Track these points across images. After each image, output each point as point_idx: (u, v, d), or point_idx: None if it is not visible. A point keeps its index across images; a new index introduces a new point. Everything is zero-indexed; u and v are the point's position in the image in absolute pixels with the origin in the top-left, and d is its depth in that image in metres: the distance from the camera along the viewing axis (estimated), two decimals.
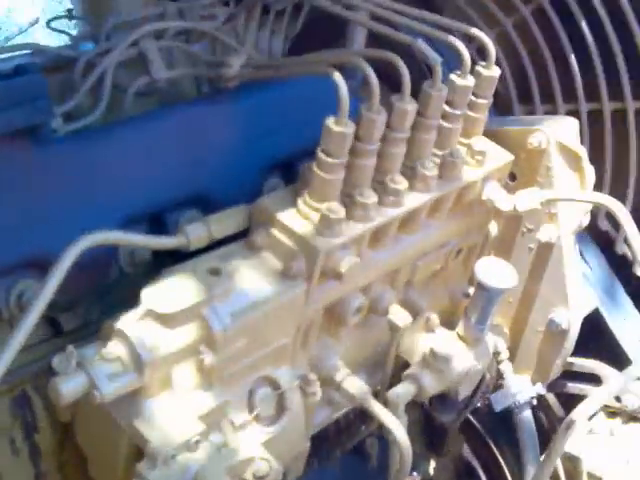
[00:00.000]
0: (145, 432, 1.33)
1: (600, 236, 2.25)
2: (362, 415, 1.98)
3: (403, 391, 1.67)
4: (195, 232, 1.48)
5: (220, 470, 1.33)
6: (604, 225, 2.24)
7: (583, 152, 1.86)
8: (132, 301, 1.38)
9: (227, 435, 1.42)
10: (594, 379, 1.99)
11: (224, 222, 1.53)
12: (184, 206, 1.57)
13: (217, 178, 1.59)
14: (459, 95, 1.68)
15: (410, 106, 1.55)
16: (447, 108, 1.68)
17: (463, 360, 1.73)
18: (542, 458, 1.79)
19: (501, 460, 2.20)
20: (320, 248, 1.48)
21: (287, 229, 1.50)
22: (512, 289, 1.71)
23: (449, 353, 1.69)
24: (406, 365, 1.75)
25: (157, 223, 1.55)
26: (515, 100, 2.24)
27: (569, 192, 1.84)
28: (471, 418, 2.20)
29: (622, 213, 1.73)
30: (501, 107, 2.20)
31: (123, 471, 1.40)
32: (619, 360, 1.99)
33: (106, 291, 1.54)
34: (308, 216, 1.51)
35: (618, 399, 2.00)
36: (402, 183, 1.59)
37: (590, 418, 2.02)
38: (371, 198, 1.53)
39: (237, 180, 1.61)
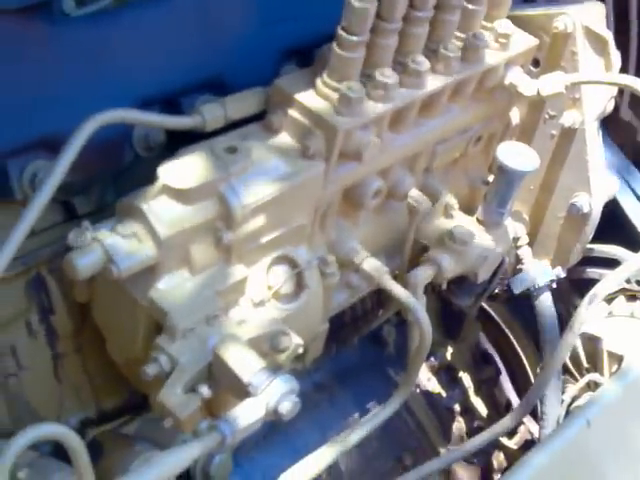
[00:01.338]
0: (164, 306, 1.30)
1: (622, 127, 2.17)
2: (379, 302, 1.96)
3: (422, 273, 1.64)
4: (211, 112, 1.43)
5: (240, 343, 1.30)
6: (627, 115, 2.16)
7: (609, 36, 1.78)
8: (147, 184, 1.34)
9: (246, 311, 1.39)
10: (613, 265, 1.95)
11: (241, 103, 1.47)
12: (199, 90, 1.51)
13: (233, 62, 1.52)
14: None
15: None
16: None
17: (482, 243, 1.69)
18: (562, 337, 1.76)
19: (517, 346, 2.17)
20: (339, 127, 1.42)
21: (305, 109, 1.45)
22: (533, 172, 1.66)
23: (468, 235, 1.65)
24: (424, 250, 1.72)
25: (172, 107, 1.48)
26: None
27: (594, 75, 1.76)
28: (487, 307, 2.17)
29: None
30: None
31: (142, 348, 1.38)
32: (637, 246, 1.93)
33: (120, 175, 1.49)
34: (327, 96, 1.45)
35: (639, 282, 1.96)
36: (424, 64, 1.53)
37: (610, 302, 1.99)
38: (392, 78, 1.47)
39: (253, 64, 1.55)
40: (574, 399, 1.96)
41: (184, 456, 1.14)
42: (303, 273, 1.48)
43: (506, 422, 1.84)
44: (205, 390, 1.27)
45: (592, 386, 1.96)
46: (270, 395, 1.22)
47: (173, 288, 1.33)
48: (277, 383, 1.23)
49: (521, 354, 2.17)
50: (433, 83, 1.56)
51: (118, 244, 1.27)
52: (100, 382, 1.59)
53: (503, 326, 2.19)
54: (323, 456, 1.64)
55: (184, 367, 1.27)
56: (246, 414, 1.20)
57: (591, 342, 1.95)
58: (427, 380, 2.18)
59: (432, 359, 2.19)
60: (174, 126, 1.41)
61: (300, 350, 1.38)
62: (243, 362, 1.26)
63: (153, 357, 1.28)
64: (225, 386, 1.29)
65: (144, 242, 1.29)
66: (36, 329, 1.49)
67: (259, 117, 1.49)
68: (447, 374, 2.23)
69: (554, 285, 1.97)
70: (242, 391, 1.25)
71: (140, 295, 1.33)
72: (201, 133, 1.43)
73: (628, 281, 1.99)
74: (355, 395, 2.01)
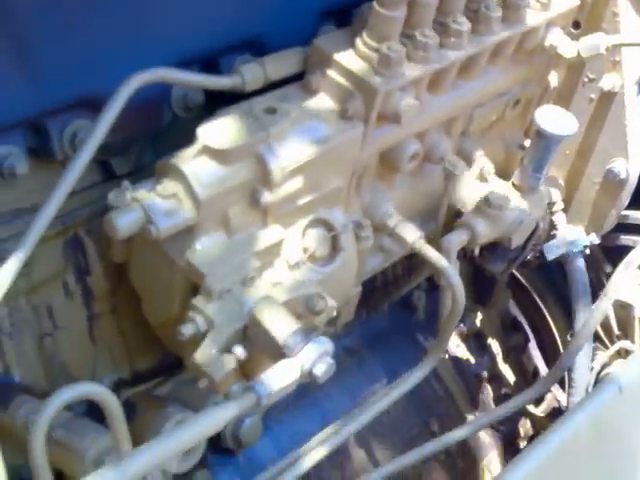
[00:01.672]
0: (201, 267, 1.29)
1: None
2: (410, 267, 1.94)
3: (456, 237, 1.62)
4: (251, 72, 1.40)
5: (275, 304, 1.29)
6: None
7: None
8: (185, 146, 1.32)
9: (282, 273, 1.38)
10: None
11: (280, 63, 1.45)
12: (238, 50, 1.48)
13: (272, 22, 1.49)
14: None
15: None
16: None
17: (517, 208, 1.67)
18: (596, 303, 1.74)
19: (546, 313, 2.15)
20: (378, 88, 1.40)
21: (344, 70, 1.42)
22: (571, 137, 1.62)
23: (503, 200, 1.63)
24: (458, 215, 1.70)
25: (210, 67, 1.45)
26: None
27: (636, 37, 1.72)
28: (517, 274, 2.15)
29: None
30: None
31: (177, 308, 1.37)
32: None
33: (158, 136, 1.47)
34: (366, 56, 1.42)
35: None
36: (465, 24, 1.49)
37: None
38: (433, 38, 1.44)
39: (292, 25, 1.51)
40: (604, 366, 1.94)
41: (219, 417, 1.13)
42: (338, 236, 1.46)
43: (534, 390, 1.83)
44: (240, 351, 1.26)
45: (622, 353, 1.95)
46: (305, 357, 1.21)
47: (210, 249, 1.32)
48: (313, 345, 1.22)
49: (550, 321, 2.15)
50: (473, 44, 1.53)
51: (157, 204, 1.26)
52: (134, 343, 1.59)
53: (533, 293, 2.17)
54: (352, 421, 1.64)
55: (220, 328, 1.27)
56: (281, 375, 1.19)
57: (623, 309, 1.93)
58: (456, 346, 2.17)
59: (461, 325, 2.18)
60: (213, 86, 1.38)
61: (334, 313, 1.37)
62: (279, 323, 1.25)
63: (189, 317, 1.27)
64: (260, 347, 1.28)
65: (183, 203, 1.28)
66: (72, 289, 1.48)
67: (298, 78, 1.46)
68: (476, 340, 2.22)
69: (587, 251, 1.95)
70: (277, 352, 1.24)
71: (177, 256, 1.32)
72: (239, 94, 1.40)
73: None
74: (384, 360, 2.00)
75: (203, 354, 1.26)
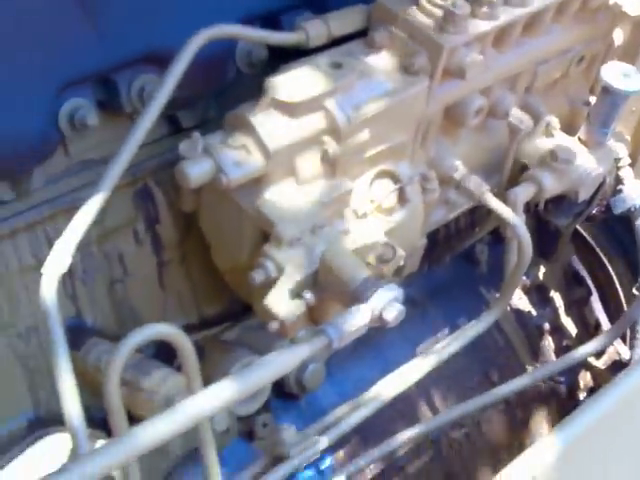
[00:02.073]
0: (271, 215, 1.33)
1: None
2: (472, 221, 1.96)
3: (523, 190, 1.63)
4: (314, 28, 1.43)
5: (345, 251, 1.32)
6: None
7: None
8: (248, 101, 1.35)
9: (350, 222, 1.41)
10: None
11: (343, 19, 1.47)
12: (299, 8, 1.51)
13: None
14: None
15: None
16: None
17: (584, 162, 1.67)
18: None
19: (610, 268, 2.15)
20: (444, 44, 1.41)
21: (409, 26, 1.44)
22: (639, 93, 1.61)
23: (570, 154, 1.63)
24: (522, 170, 1.71)
25: (272, 25, 1.49)
26: None
27: None
28: (581, 230, 2.15)
29: None
30: None
31: (247, 255, 1.41)
32: None
33: (223, 91, 1.50)
34: (431, 12, 1.44)
35: None
36: None
37: None
38: None
39: None
40: None
41: (291, 358, 1.16)
42: (405, 188, 1.49)
43: (598, 342, 1.84)
44: (310, 296, 1.30)
45: None
46: (376, 301, 1.23)
47: (280, 199, 1.35)
48: (383, 290, 1.24)
49: (613, 276, 2.14)
50: (537, 1, 1.53)
51: (228, 155, 1.30)
52: (202, 290, 1.64)
53: (597, 249, 2.16)
54: (414, 369, 1.67)
55: (291, 274, 1.30)
56: (352, 319, 1.21)
57: None
58: (518, 299, 2.18)
59: (524, 278, 2.18)
60: (278, 42, 1.42)
61: (402, 262, 1.39)
62: (350, 270, 1.28)
63: (260, 263, 1.31)
64: (330, 293, 1.32)
65: (253, 154, 1.31)
66: (142, 238, 1.54)
67: (360, 35, 1.48)
68: (538, 293, 2.22)
69: None
70: (348, 298, 1.27)
71: (248, 205, 1.36)
72: (302, 51, 1.43)
73: None
74: (446, 311, 2.02)
75: (274, 298, 1.30)
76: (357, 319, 1.22)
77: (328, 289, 1.31)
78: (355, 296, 1.25)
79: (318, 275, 1.32)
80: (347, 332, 1.20)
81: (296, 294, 1.31)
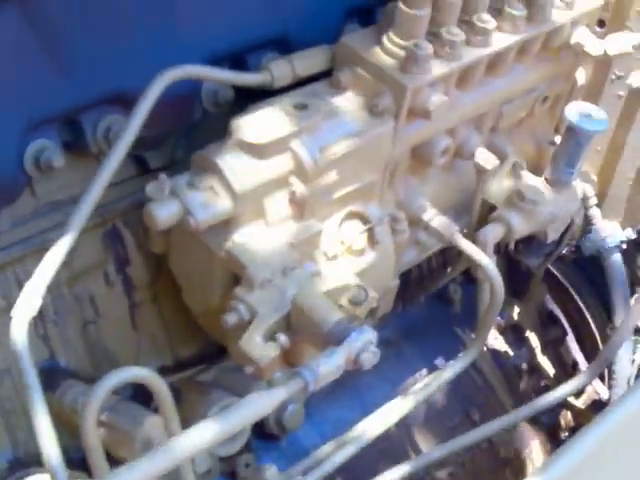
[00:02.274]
0: (241, 257, 1.32)
1: None
2: (445, 261, 1.95)
3: (492, 231, 1.63)
4: (279, 69, 1.44)
5: (317, 294, 1.31)
6: None
7: None
8: (216, 140, 1.35)
9: (321, 264, 1.40)
10: None
11: (308, 60, 1.48)
12: (265, 48, 1.52)
13: (298, 20, 1.53)
14: None
15: None
16: None
17: (551, 202, 1.67)
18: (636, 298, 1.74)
19: (583, 308, 2.14)
20: (407, 84, 1.42)
21: (373, 66, 1.45)
22: (602, 133, 1.63)
23: (537, 195, 1.64)
24: (491, 210, 1.71)
25: (238, 64, 1.50)
26: None
27: None
28: (553, 269, 2.15)
29: None
30: None
31: (219, 297, 1.40)
32: None
33: (190, 130, 1.51)
34: (394, 53, 1.45)
35: None
36: (490, 22, 1.51)
37: None
38: (459, 36, 1.47)
39: (317, 23, 1.55)
40: None
41: (268, 401, 1.15)
42: (374, 229, 1.48)
43: (576, 382, 1.83)
44: (284, 339, 1.29)
45: None
46: (351, 344, 1.22)
47: (249, 240, 1.35)
48: (357, 333, 1.23)
49: (587, 316, 2.14)
50: (499, 42, 1.55)
51: (195, 196, 1.29)
52: (176, 331, 1.62)
53: (569, 288, 2.16)
54: (393, 410, 1.65)
55: (263, 316, 1.29)
56: (327, 362, 1.20)
57: None
58: (494, 339, 2.17)
59: (499, 318, 2.18)
60: (243, 83, 1.42)
61: (375, 304, 1.38)
62: (323, 312, 1.27)
63: (233, 306, 1.30)
64: (304, 336, 1.30)
65: (220, 195, 1.31)
66: (113, 279, 1.52)
67: (325, 75, 1.49)
68: (514, 333, 2.22)
69: (624, 246, 1.94)
70: (322, 340, 1.26)
71: (217, 247, 1.35)
72: (268, 91, 1.44)
73: None
74: (422, 351, 2.01)
75: (248, 341, 1.28)
76: (332, 362, 1.20)
77: (301, 331, 1.30)
78: (329, 339, 1.23)
79: (291, 317, 1.30)
80: (322, 375, 1.19)
81: (270, 337, 1.29)
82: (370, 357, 1.22)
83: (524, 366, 2.19)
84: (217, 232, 1.34)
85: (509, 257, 1.90)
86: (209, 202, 1.30)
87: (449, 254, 1.93)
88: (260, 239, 1.35)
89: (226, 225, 1.33)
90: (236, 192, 1.30)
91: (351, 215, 1.48)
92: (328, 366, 1.19)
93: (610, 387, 1.90)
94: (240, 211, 1.33)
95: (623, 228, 1.92)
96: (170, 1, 1.38)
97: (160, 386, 1.12)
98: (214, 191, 1.31)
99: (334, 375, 1.20)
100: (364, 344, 1.22)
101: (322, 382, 1.20)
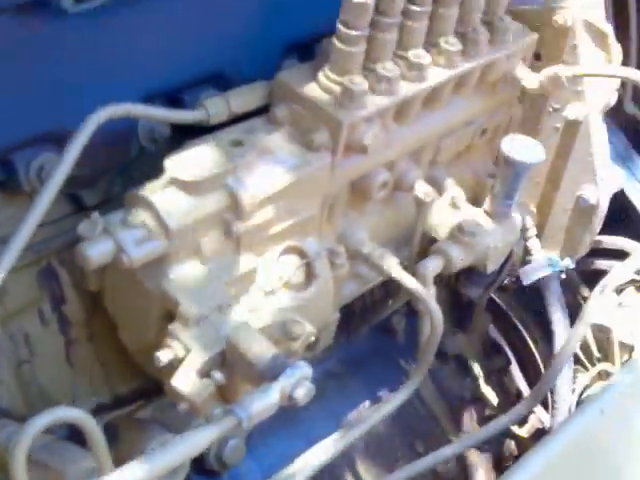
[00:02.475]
0: (176, 294, 1.31)
1: (626, 120, 2.16)
2: (388, 292, 1.96)
3: (431, 263, 1.63)
4: (215, 106, 1.44)
5: (252, 330, 1.30)
6: (630, 108, 2.15)
7: (609, 30, 1.77)
8: (153, 177, 1.35)
9: (258, 300, 1.40)
10: (621, 257, 1.93)
11: (244, 97, 1.48)
12: (202, 84, 1.51)
13: (234, 57, 1.53)
14: None
15: None
16: None
17: (490, 234, 1.68)
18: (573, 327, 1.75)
19: (527, 336, 2.16)
20: (343, 120, 1.43)
21: (309, 102, 1.45)
22: (539, 164, 1.64)
23: (476, 227, 1.65)
24: (432, 242, 1.71)
25: (175, 102, 1.49)
26: None
27: (596, 67, 1.75)
28: (496, 298, 2.16)
29: None
30: None
31: (154, 335, 1.39)
32: None
33: (127, 167, 1.50)
34: (330, 89, 1.46)
35: None
36: (425, 58, 1.53)
37: (619, 293, 1.98)
38: (393, 71, 1.48)
39: (254, 60, 1.55)
40: (585, 388, 1.95)
41: (201, 439, 1.14)
42: (313, 263, 1.48)
43: (518, 410, 1.83)
44: (218, 376, 1.28)
45: (603, 376, 1.95)
46: (285, 381, 1.22)
47: (184, 277, 1.34)
48: (291, 369, 1.22)
49: (531, 344, 2.16)
50: (435, 77, 1.56)
51: (128, 234, 1.28)
52: (113, 368, 1.60)
53: (512, 317, 2.18)
54: (336, 442, 1.64)
55: (197, 353, 1.28)
56: (261, 399, 1.19)
57: (602, 332, 1.94)
58: (438, 369, 2.17)
59: (442, 348, 2.18)
60: (178, 120, 1.42)
61: (312, 338, 1.38)
62: (257, 348, 1.26)
63: (167, 343, 1.29)
64: (239, 372, 1.29)
65: (154, 233, 1.30)
66: (48, 318, 1.50)
67: (262, 111, 1.50)
68: (457, 363, 2.22)
69: (563, 276, 1.96)
70: (256, 377, 1.24)
71: (152, 284, 1.34)
72: (205, 127, 1.43)
73: (638, 272, 1.97)
74: (366, 383, 2.01)
75: (181, 379, 1.27)
76: (266, 399, 1.19)
77: (236, 368, 1.28)
78: (263, 375, 1.22)
79: (226, 354, 1.29)
80: (256, 412, 1.18)
81: (204, 373, 1.28)
82: (305, 393, 1.21)
83: (468, 396, 2.20)
84: (152, 269, 1.33)
85: (452, 288, 1.91)
86: (143, 239, 1.29)
87: (392, 286, 1.92)
88: (195, 276, 1.35)
89: (161, 262, 1.32)
90: (170, 229, 1.29)
91: (289, 250, 1.47)
92: (262, 403, 1.18)
93: (552, 416, 1.91)
94: (175, 248, 1.32)
95: (562, 258, 1.94)
96: (105, 39, 1.37)
97: (91, 426, 1.10)
98: (148, 228, 1.30)
99: (268, 412, 1.20)
100: (298, 380, 1.21)
101: (256, 419, 1.19)
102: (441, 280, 1.81)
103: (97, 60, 1.37)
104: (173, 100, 1.49)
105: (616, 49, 1.78)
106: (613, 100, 1.85)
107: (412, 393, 1.72)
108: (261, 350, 1.26)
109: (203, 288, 1.33)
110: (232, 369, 1.29)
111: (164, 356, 1.28)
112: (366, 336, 2.01)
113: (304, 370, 1.23)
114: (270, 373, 1.22)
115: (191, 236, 1.33)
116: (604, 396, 1.57)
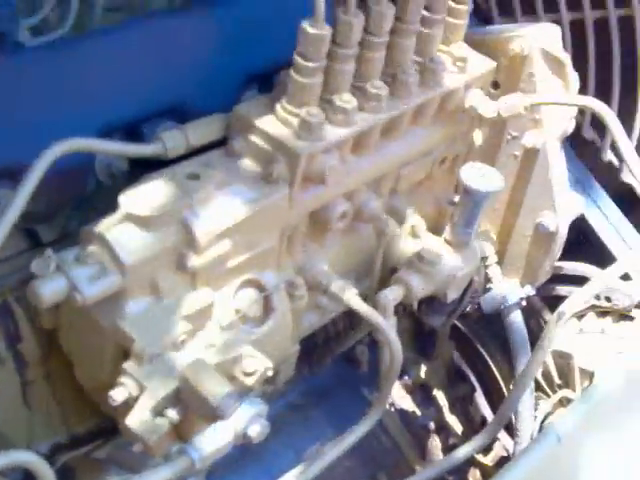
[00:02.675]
0: (130, 331, 1.29)
1: (585, 145, 2.17)
2: (351, 323, 1.94)
3: (391, 293, 1.62)
4: (172, 139, 1.42)
5: (208, 367, 1.28)
6: (589, 134, 2.16)
7: (566, 58, 1.78)
8: (110, 212, 1.32)
9: (214, 335, 1.37)
10: (582, 282, 1.93)
11: (202, 129, 1.46)
12: (161, 118, 1.49)
13: (193, 89, 1.51)
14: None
15: (388, 9, 1.48)
16: (426, 13, 1.60)
17: (450, 263, 1.67)
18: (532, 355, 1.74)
19: (491, 363, 2.15)
20: (301, 152, 1.41)
21: (266, 134, 1.44)
22: (498, 192, 1.64)
23: (436, 256, 1.64)
24: (393, 271, 1.70)
25: (134, 135, 1.47)
26: (495, 12, 2.13)
27: (553, 96, 1.76)
28: (460, 325, 2.16)
29: (609, 115, 1.65)
30: (482, 20, 2.10)
31: (110, 373, 1.36)
32: (606, 263, 1.92)
33: (84, 203, 1.48)
34: (287, 121, 1.44)
35: (608, 299, 1.95)
36: (382, 88, 1.52)
37: (580, 318, 1.98)
38: (351, 103, 1.47)
39: (214, 91, 1.53)
40: (547, 415, 1.94)
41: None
42: (271, 296, 1.46)
43: (481, 438, 1.81)
44: (173, 414, 1.25)
45: (564, 402, 1.94)
46: (238, 418, 1.20)
47: (139, 314, 1.31)
48: (245, 406, 1.21)
49: (495, 371, 2.15)
50: (393, 107, 1.56)
51: (82, 271, 1.25)
52: (70, 407, 1.57)
53: (476, 344, 2.17)
54: (297, 477, 1.61)
55: (152, 392, 1.25)
56: (214, 438, 1.18)
57: (562, 359, 1.93)
58: (401, 398, 2.16)
59: (406, 377, 2.17)
60: (135, 154, 1.40)
61: (269, 373, 1.35)
62: (211, 386, 1.23)
63: (120, 382, 1.26)
64: (194, 410, 1.27)
65: (108, 269, 1.27)
66: (4, 356, 1.47)
67: (221, 144, 1.48)
68: (421, 392, 2.21)
69: (524, 303, 1.96)
70: (211, 415, 1.23)
71: (106, 321, 1.31)
72: (164, 160, 1.42)
73: (598, 297, 1.97)
74: (329, 415, 1.98)
75: (135, 418, 1.24)
76: (219, 438, 1.18)
77: (191, 406, 1.26)
78: (217, 413, 1.20)
79: (181, 392, 1.27)
80: (209, 452, 1.17)
81: (159, 412, 1.25)
82: (259, 431, 1.21)
83: (432, 425, 2.18)
84: (106, 306, 1.30)
85: (415, 316, 1.90)
86: (97, 276, 1.26)
87: (355, 316, 1.91)
88: (150, 312, 1.32)
89: (116, 298, 1.30)
90: (125, 265, 1.27)
91: (246, 283, 1.45)
92: (215, 442, 1.17)
93: (515, 444, 1.90)
94: (129, 284, 1.29)
95: (522, 285, 1.93)
96: (63, 72, 1.35)
97: (44, 470, 1.08)
98: (102, 265, 1.27)
99: (222, 451, 1.19)
100: (253, 417, 1.20)
101: (209, 459, 1.18)
102: (404, 309, 1.80)
103: (54, 94, 1.34)
104: (132, 133, 1.47)
105: (573, 77, 1.78)
106: (571, 127, 1.86)
107: (375, 424, 1.71)
108: (215, 387, 1.23)
109: (158, 324, 1.31)
110: (187, 407, 1.27)
111: (118, 395, 1.25)
112: (330, 367, 1.98)
113: (258, 407, 1.22)
114: (224, 411, 1.21)
115: (146, 272, 1.31)
116: (561, 424, 1.56)
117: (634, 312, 1.96)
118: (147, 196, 1.32)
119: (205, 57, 1.52)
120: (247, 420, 1.20)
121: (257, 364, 1.32)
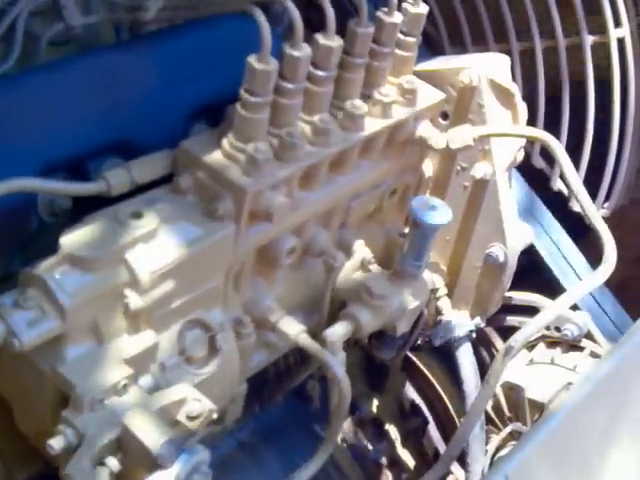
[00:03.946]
0: (70, 377, 1.24)
1: (535, 174, 2.18)
2: (302, 358, 1.92)
3: (340, 329, 1.60)
4: (116, 177, 1.38)
5: (148, 413, 1.24)
6: (539, 163, 2.17)
7: (515, 89, 1.78)
8: (55, 253, 1.29)
9: (157, 378, 1.34)
10: (532, 312, 1.94)
11: (147, 166, 1.43)
12: (106, 154, 1.46)
13: (140, 124, 1.48)
14: (386, 33, 1.59)
15: (335, 43, 1.46)
16: (375, 46, 1.59)
17: (400, 296, 1.66)
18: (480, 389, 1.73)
19: (443, 395, 2.14)
20: (247, 189, 1.39)
21: (212, 171, 1.41)
22: (447, 225, 1.63)
23: (385, 290, 1.62)
24: (343, 305, 1.68)
25: (79, 172, 1.44)
26: (446, 42, 2.14)
27: (502, 127, 1.76)
28: (412, 357, 2.14)
29: (557, 147, 1.66)
30: (432, 50, 2.11)
31: (50, 420, 1.31)
32: (556, 292, 1.92)
33: (27, 243, 1.43)
34: (234, 157, 1.42)
35: (558, 329, 1.95)
36: (331, 123, 1.50)
37: (530, 349, 1.98)
38: (298, 137, 1.45)
39: (161, 126, 1.51)
40: (498, 449, 1.93)
41: None
42: (216, 336, 1.43)
43: (431, 475, 1.79)
44: (114, 463, 1.21)
45: (515, 435, 1.94)
46: (180, 467, 1.17)
47: (80, 359, 1.27)
48: (186, 454, 1.18)
49: (448, 403, 2.14)
50: (342, 141, 1.54)
51: (20, 316, 1.21)
52: (11, 454, 1.51)
53: (429, 375, 2.16)
54: None
55: (91, 440, 1.20)
56: None
57: (513, 391, 1.93)
58: (353, 434, 2.14)
59: (357, 412, 2.15)
60: (78, 193, 1.36)
61: (214, 416, 1.32)
62: (151, 433, 1.19)
63: (59, 430, 1.22)
64: (134, 459, 1.22)
65: (47, 313, 1.23)
66: None
67: (168, 179, 1.45)
68: (373, 427, 2.19)
69: (474, 335, 1.95)
70: (151, 463, 1.18)
71: (46, 367, 1.27)
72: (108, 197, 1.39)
73: (548, 328, 1.98)
74: (281, 453, 1.95)
75: (74, 468, 1.19)
76: None
77: (132, 454, 1.22)
78: (157, 462, 1.16)
79: (121, 440, 1.23)
80: None
81: (99, 461, 1.21)
82: (202, 479, 1.17)
83: (384, 460, 2.16)
84: (46, 350, 1.26)
85: (366, 350, 1.88)
86: (36, 321, 1.22)
87: (305, 351, 1.90)
88: (92, 356, 1.28)
89: (55, 343, 1.26)
90: (64, 309, 1.23)
91: (191, 323, 1.42)
92: None
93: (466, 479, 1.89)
94: (70, 328, 1.25)
95: (472, 317, 1.93)
96: (3, 108, 1.32)
97: None
98: (41, 309, 1.23)
99: None
100: (195, 466, 1.16)
101: None
102: (355, 342, 1.78)
103: None
104: (77, 170, 1.44)
105: (522, 108, 1.79)
106: (520, 157, 1.86)
107: (326, 460, 1.68)
108: (155, 434, 1.19)
109: (99, 369, 1.27)
110: (128, 455, 1.22)
111: (56, 444, 1.21)
112: (280, 403, 1.96)
113: (200, 455, 1.18)
114: (164, 459, 1.16)
115: (87, 315, 1.27)
116: (509, 462, 1.54)
117: (584, 342, 1.97)
118: (88, 236, 1.28)
119: (151, 92, 1.49)
120: (189, 469, 1.16)
121: (200, 408, 1.28)
